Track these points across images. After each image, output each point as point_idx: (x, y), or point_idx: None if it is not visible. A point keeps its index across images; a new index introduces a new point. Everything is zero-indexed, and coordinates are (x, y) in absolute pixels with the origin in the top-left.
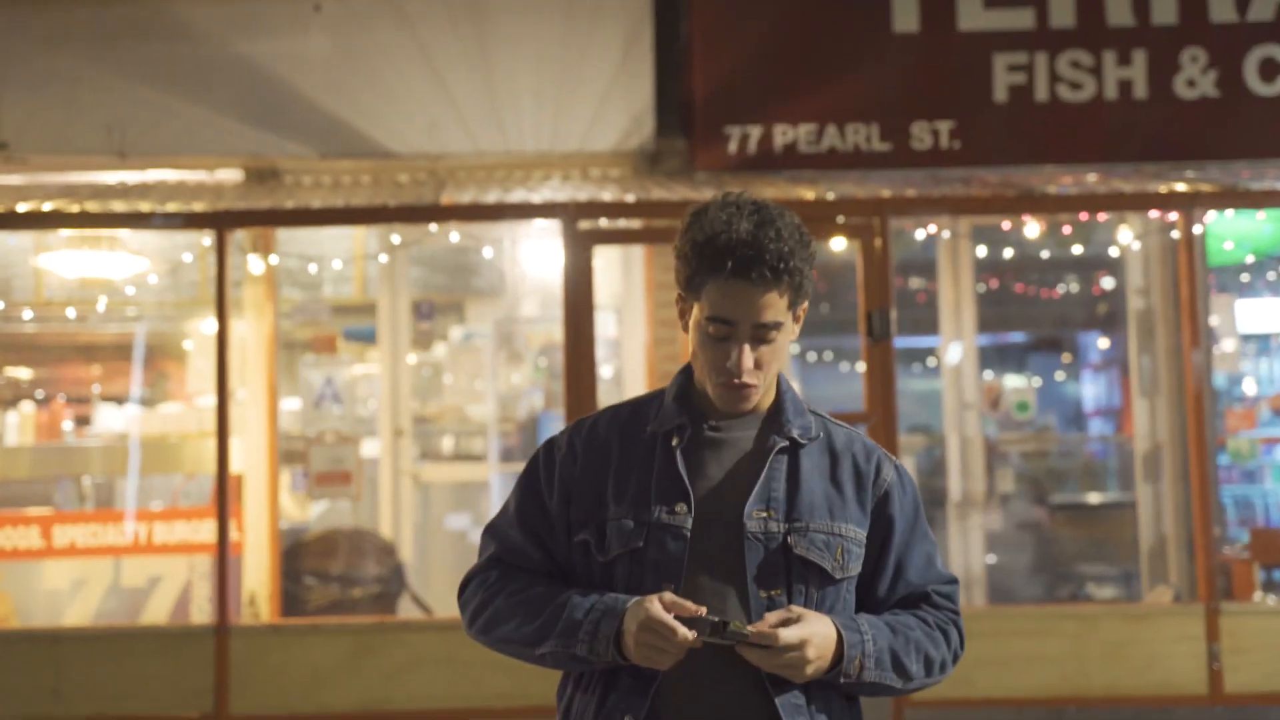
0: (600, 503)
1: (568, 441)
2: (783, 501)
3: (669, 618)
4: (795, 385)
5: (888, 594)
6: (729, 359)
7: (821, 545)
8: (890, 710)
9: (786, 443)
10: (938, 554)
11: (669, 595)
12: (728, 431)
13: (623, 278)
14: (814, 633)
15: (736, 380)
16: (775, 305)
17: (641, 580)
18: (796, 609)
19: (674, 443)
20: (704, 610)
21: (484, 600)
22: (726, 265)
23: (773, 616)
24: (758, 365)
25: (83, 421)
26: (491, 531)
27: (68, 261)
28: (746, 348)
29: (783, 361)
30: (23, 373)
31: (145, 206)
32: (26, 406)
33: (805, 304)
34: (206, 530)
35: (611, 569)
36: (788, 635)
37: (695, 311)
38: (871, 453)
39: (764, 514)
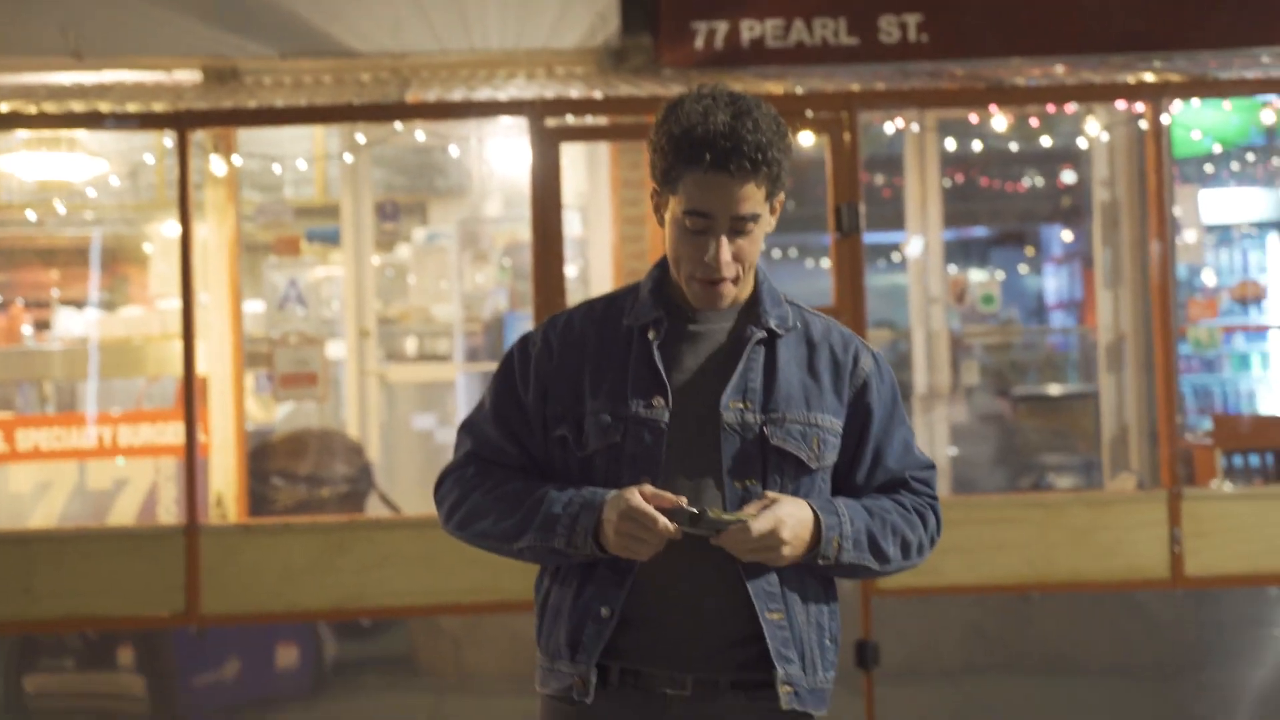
0: (577, 397)
1: (543, 337)
2: (759, 392)
3: (649, 508)
4: None
5: (866, 480)
6: (707, 252)
7: (798, 435)
8: (859, 598)
9: (764, 333)
10: (914, 440)
11: (648, 487)
12: (704, 324)
13: (588, 176)
14: (788, 514)
15: (715, 276)
16: (753, 197)
17: (619, 474)
18: (772, 494)
19: (650, 336)
20: (684, 500)
21: (461, 496)
22: (704, 157)
23: (751, 507)
24: (736, 258)
25: (42, 326)
26: (468, 428)
27: (26, 164)
28: (724, 240)
29: (757, 253)
30: None
31: (104, 107)
32: None
33: (782, 195)
34: (171, 433)
35: (590, 463)
36: (760, 524)
37: (672, 205)
38: (849, 342)
39: (740, 405)
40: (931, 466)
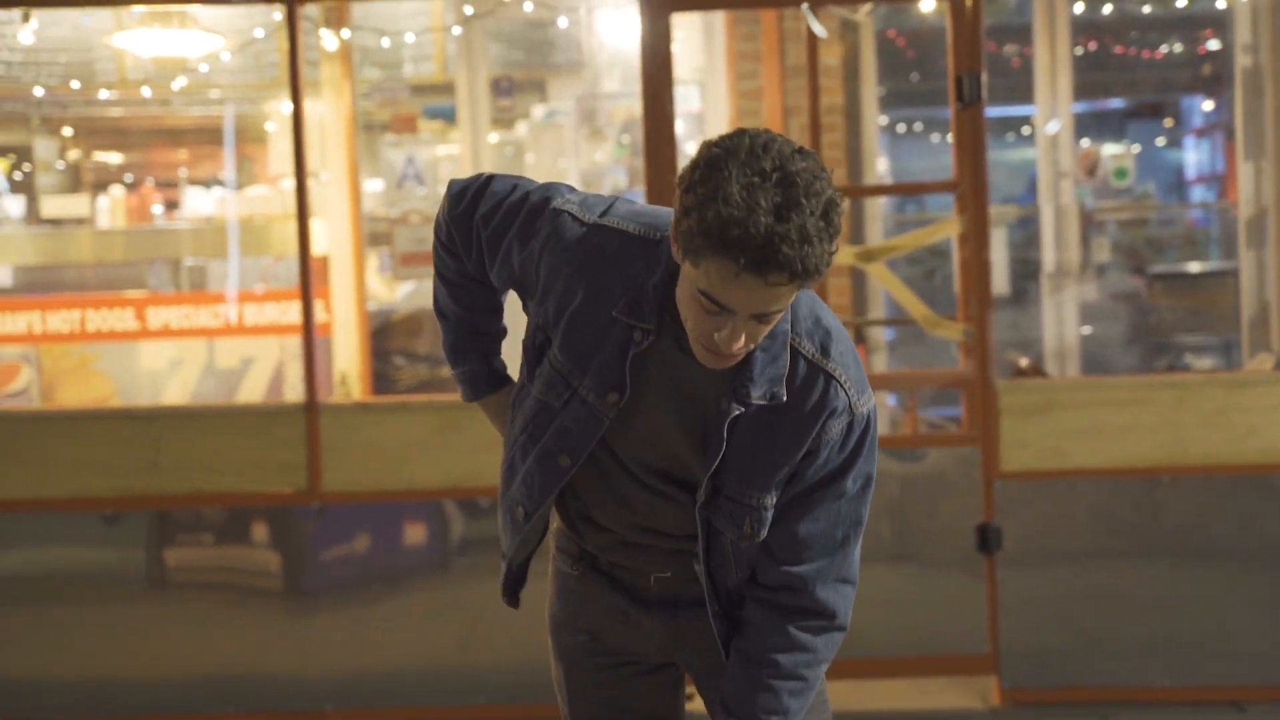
0: (551, 325)
1: (554, 239)
2: (711, 470)
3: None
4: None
5: (767, 539)
6: (719, 332)
7: (726, 514)
8: (980, 481)
9: (740, 410)
10: (846, 518)
11: None
12: (692, 362)
13: (705, 49)
14: None
15: (722, 355)
16: (785, 297)
17: (544, 431)
18: None
19: (637, 338)
20: None
21: (436, 273)
22: (739, 261)
23: None
24: (749, 339)
25: (171, 205)
26: (490, 186)
27: (143, 40)
28: (742, 332)
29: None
30: (112, 157)
31: None
32: (116, 190)
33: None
34: (295, 312)
35: (525, 393)
36: None
37: (688, 268)
38: (828, 404)
39: (704, 477)
40: (832, 617)
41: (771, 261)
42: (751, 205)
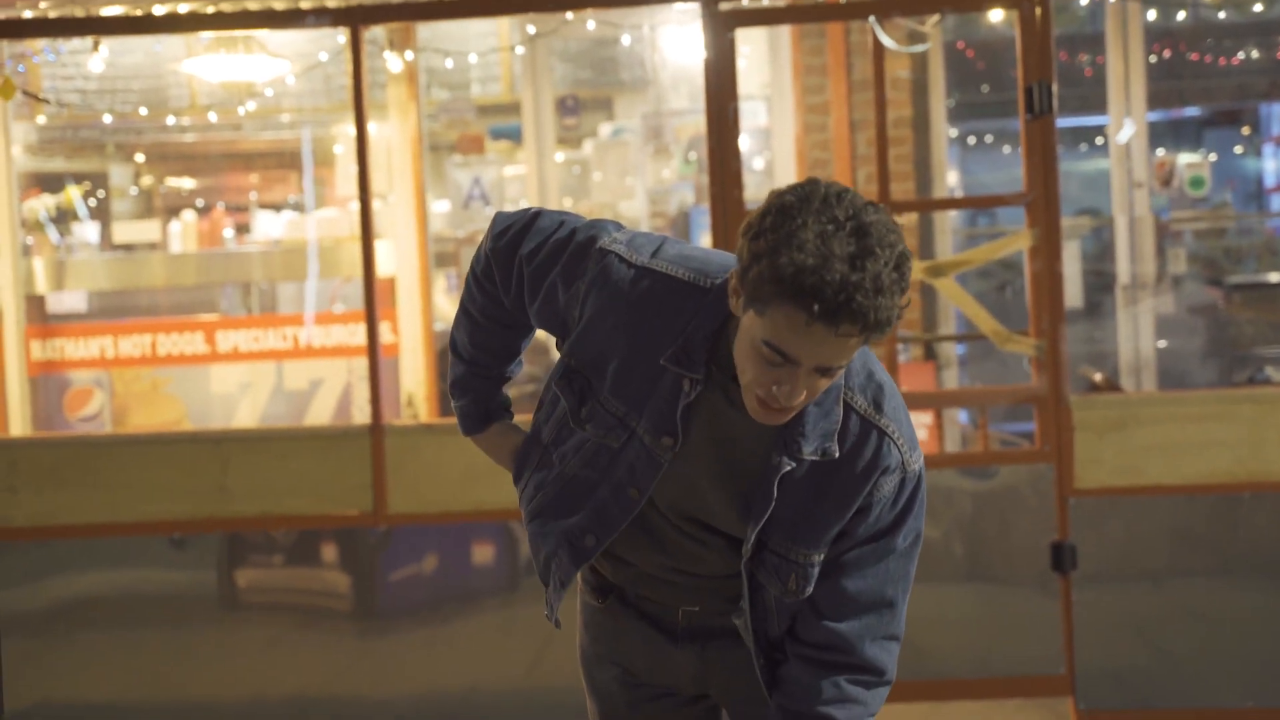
0: (596, 372)
1: (596, 280)
2: (759, 524)
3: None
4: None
5: (819, 590)
6: (779, 385)
7: (771, 569)
8: (1054, 499)
9: (792, 465)
10: (894, 576)
11: None
12: (741, 414)
13: (770, 64)
14: None
15: (780, 408)
16: (853, 349)
17: (613, 464)
18: None
19: (686, 388)
20: None
21: (461, 308)
22: (812, 309)
23: None
24: (809, 392)
25: (242, 229)
26: (536, 221)
27: (210, 66)
28: (802, 383)
29: None
30: (184, 182)
31: (279, 4)
32: (188, 215)
33: None
34: (363, 334)
35: (575, 433)
36: None
37: (751, 316)
38: (880, 461)
39: (749, 531)
40: (881, 673)
41: (845, 311)
42: (827, 253)
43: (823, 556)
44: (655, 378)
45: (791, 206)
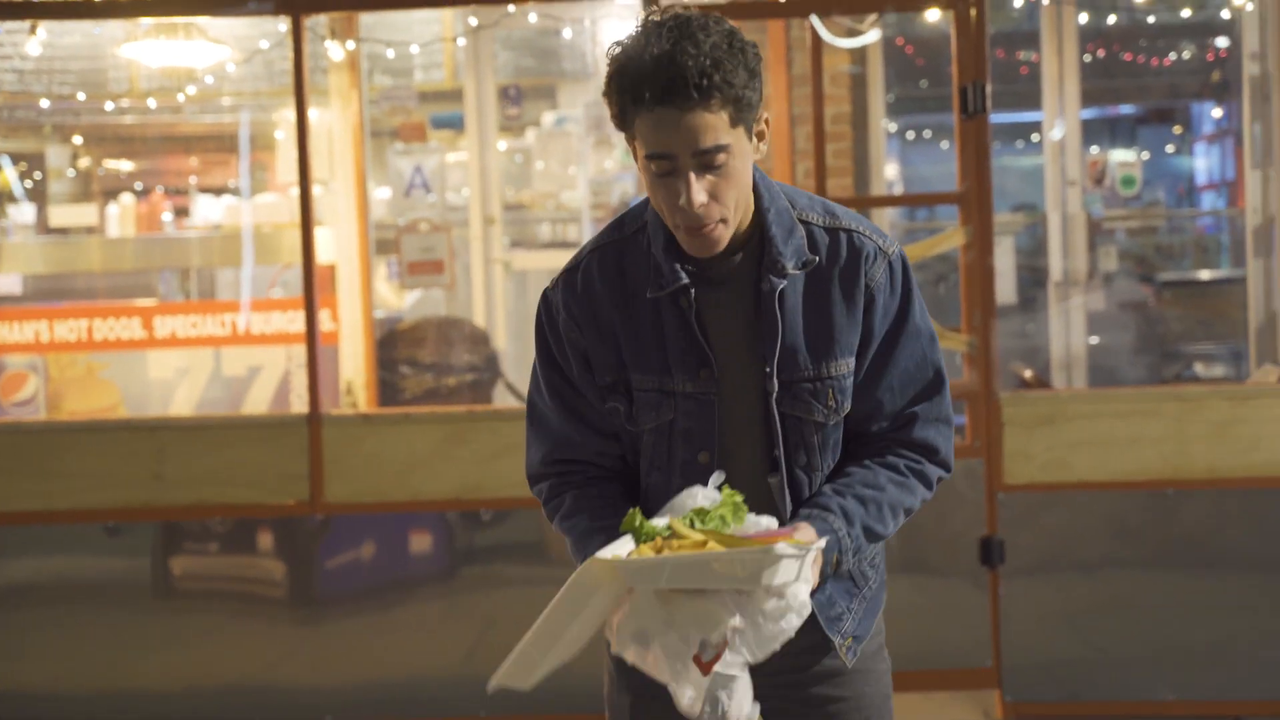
0: (621, 366)
1: (564, 304)
2: (775, 353)
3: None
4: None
5: (862, 404)
6: (680, 197)
7: (809, 396)
8: (983, 494)
9: (784, 283)
10: (930, 360)
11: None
12: (725, 277)
13: None
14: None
15: (697, 224)
16: (713, 126)
17: (672, 450)
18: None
19: (684, 305)
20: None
21: (552, 516)
22: (645, 95)
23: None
24: (714, 197)
25: (181, 213)
26: (535, 421)
27: (151, 51)
28: (693, 179)
29: (745, 187)
30: (122, 165)
31: None
32: (126, 198)
33: (761, 118)
34: (302, 321)
35: (639, 437)
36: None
37: (637, 150)
38: (860, 252)
39: (768, 369)
40: (935, 452)
41: (677, 84)
42: (645, 43)
43: (852, 366)
44: (657, 324)
45: (620, 39)
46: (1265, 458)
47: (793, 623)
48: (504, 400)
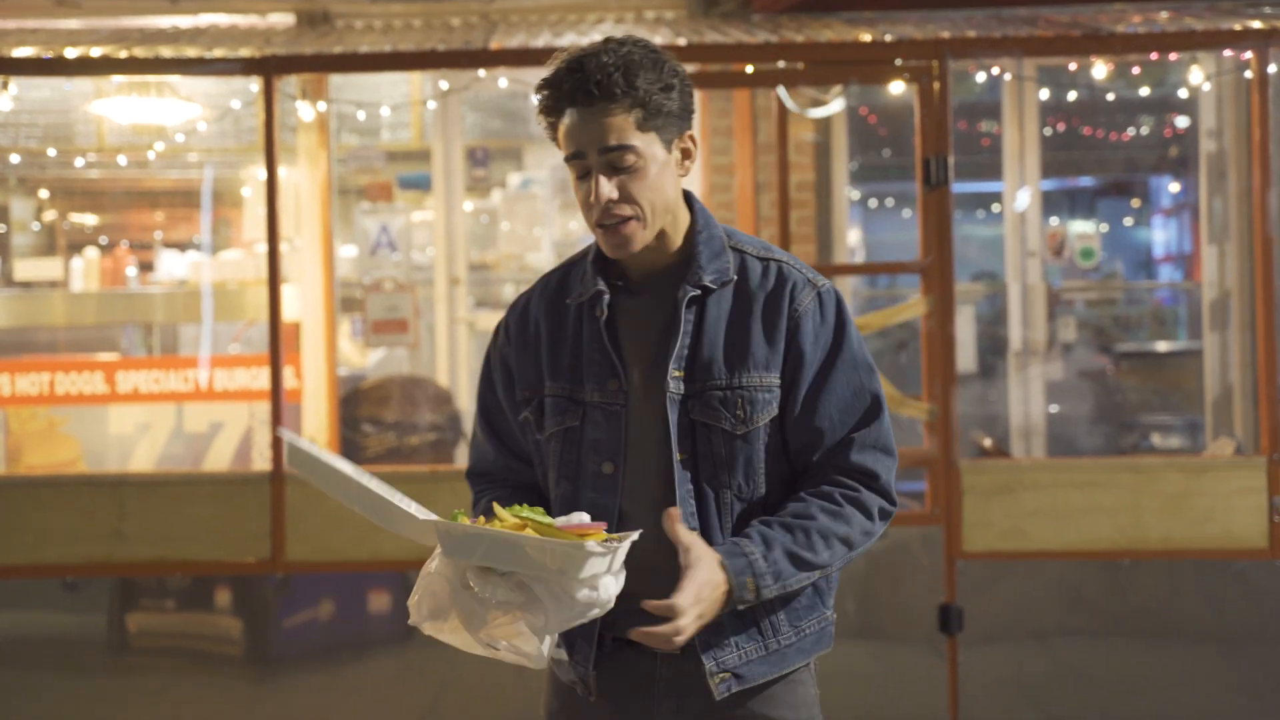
0: (539, 379)
1: (504, 324)
2: (687, 359)
3: None
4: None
5: (801, 435)
6: (593, 195)
7: (718, 404)
8: (942, 561)
9: (697, 292)
10: (868, 388)
11: None
12: (645, 289)
13: None
14: (692, 599)
15: (605, 220)
16: (619, 126)
17: (581, 459)
18: (678, 598)
19: (598, 313)
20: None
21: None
22: (557, 98)
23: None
24: (624, 198)
25: (146, 267)
26: (473, 435)
27: (121, 108)
28: (601, 176)
29: (660, 193)
30: (87, 219)
31: (192, 52)
32: (91, 252)
33: (685, 134)
34: (265, 378)
35: (547, 445)
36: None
37: (563, 157)
38: (787, 279)
39: (678, 374)
40: (874, 477)
41: (582, 82)
42: (565, 60)
43: (768, 380)
44: (575, 331)
45: None
46: (1219, 529)
47: (594, 614)
48: (466, 460)
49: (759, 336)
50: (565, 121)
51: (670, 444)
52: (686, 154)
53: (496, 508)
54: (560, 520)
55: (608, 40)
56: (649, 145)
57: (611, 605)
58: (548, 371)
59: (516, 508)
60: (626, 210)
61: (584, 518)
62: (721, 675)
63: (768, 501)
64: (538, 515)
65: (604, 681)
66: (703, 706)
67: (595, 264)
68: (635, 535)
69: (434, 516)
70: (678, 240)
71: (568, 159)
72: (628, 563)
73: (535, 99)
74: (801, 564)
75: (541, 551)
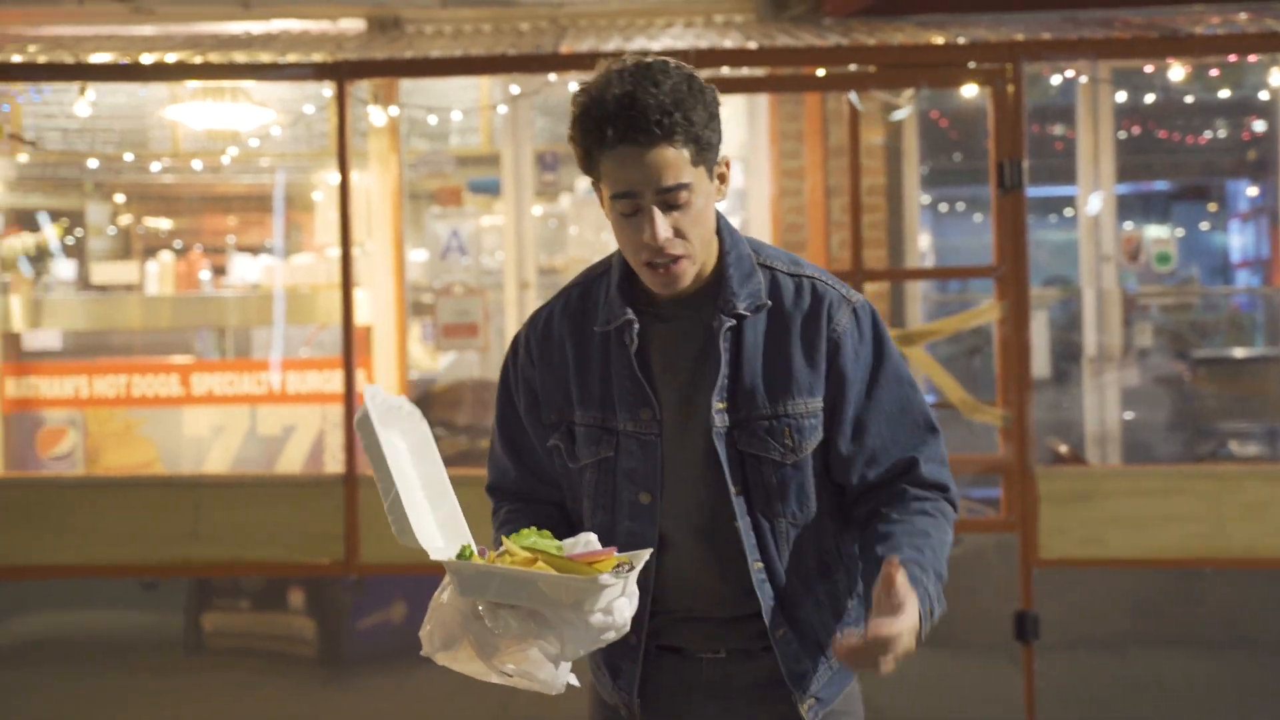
0: (568, 404)
1: (525, 341)
2: (728, 390)
3: None
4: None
5: (851, 456)
6: (644, 234)
7: (764, 434)
8: (1018, 569)
9: (733, 322)
10: (919, 408)
11: None
12: (676, 316)
13: (748, 128)
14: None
15: (659, 259)
16: (674, 164)
17: (614, 488)
18: (888, 623)
19: (627, 341)
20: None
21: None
22: (608, 133)
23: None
24: (678, 234)
25: (219, 271)
26: (490, 449)
27: (195, 113)
28: (657, 215)
29: (707, 226)
30: (162, 223)
31: (265, 57)
32: (165, 256)
33: (722, 160)
34: (338, 381)
35: (581, 475)
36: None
37: (603, 193)
38: (823, 300)
39: (721, 406)
40: (945, 489)
41: (638, 122)
42: (606, 85)
43: (813, 406)
44: (604, 361)
45: (584, 83)
46: None
47: (610, 637)
48: None
49: (800, 361)
50: (613, 156)
51: (715, 474)
52: (723, 179)
53: (505, 541)
54: (567, 543)
55: (649, 69)
56: (700, 180)
57: (628, 628)
58: (577, 399)
59: (525, 533)
60: (679, 249)
61: (591, 539)
62: (809, 702)
63: (819, 523)
64: (547, 544)
65: (647, 691)
66: (746, 705)
67: (620, 288)
68: (647, 555)
69: (446, 556)
70: (710, 263)
71: (615, 197)
72: (669, 582)
73: (576, 125)
74: (941, 579)
75: (555, 588)
